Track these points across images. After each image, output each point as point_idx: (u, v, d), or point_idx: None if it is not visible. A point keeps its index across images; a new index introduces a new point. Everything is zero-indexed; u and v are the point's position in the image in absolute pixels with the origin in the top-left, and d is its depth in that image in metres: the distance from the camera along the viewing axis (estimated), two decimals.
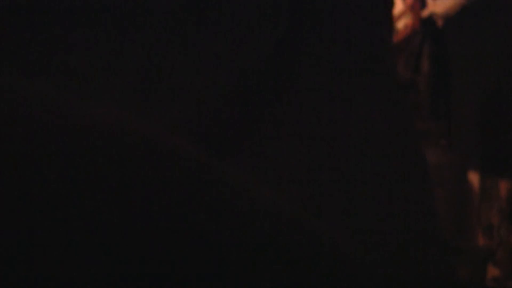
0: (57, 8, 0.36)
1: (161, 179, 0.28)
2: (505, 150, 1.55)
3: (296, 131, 0.37)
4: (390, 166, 0.38)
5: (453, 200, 1.64)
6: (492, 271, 1.50)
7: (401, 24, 2.14)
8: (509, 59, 1.53)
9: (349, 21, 0.40)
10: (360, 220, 0.36)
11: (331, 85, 0.39)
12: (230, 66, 0.37)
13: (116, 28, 0.36)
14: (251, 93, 0.37)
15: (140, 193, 0.27)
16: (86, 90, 0.35)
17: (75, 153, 0.27)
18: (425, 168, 0.40)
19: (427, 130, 1.73)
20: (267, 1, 0.39)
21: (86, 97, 0.34)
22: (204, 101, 0.36)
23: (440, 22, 1.92)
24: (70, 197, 0.26)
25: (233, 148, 0.37)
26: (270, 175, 0.37)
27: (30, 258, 0.25)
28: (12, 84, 0.28)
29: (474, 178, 1.66)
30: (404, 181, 0.39)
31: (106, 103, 0.35)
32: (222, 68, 0.37)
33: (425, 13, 2.01)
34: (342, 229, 0.35)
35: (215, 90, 0.37)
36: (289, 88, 0.38)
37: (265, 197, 0.30)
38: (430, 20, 1.94)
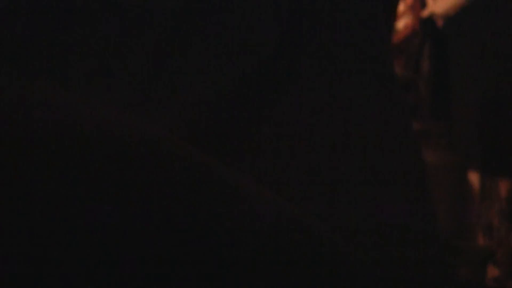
0: (58, 8, 0.36)
1: (161, 179, 0.28)
2: (505, 150, 1.55)
3: (295, 131, 0.37)
4: (388, 166, 0.38)
5: (453, 200, 1.64)
6: (492, 271, 1.51)
7: (401, 24, 2.14)
8: (509, 59, 1.53)
9: (349, 21, 0.40)
10: (359, 220, 0.36)
11: (330, 85, 0.39)
12: (230, 66, 0.37)
13: (117, 28, 0.36)
14: (251, 93, 0.37)
15: (140, 193, 0.27)
16: (86, 90, 0.35)
17: (75, 153, 0.27)
18: (422, 168, 0.40)
19: (427, 130, 1.73)
20: (267, 2, 0.39)
21: (87, 97, 0.34)
22: (205, 101, 0.36)
23: (440, 22, 1.92)
24: (70, 197, 0.26)
25: (233, 148, 0.37)
26: (270, 175, 0.37)
27: (30, 258, 0.25)
28: (13, 84, 0.28)
29: (474, 178, 1.67)
30: (403, 180, 0.39)
31: (107, 103, 0.35)
32: (222, 68, 0.37)
33: (425, 13, 2.01)
34: (342, 229, 0.35)
35: (215, 91, 0.37)
36: (289, 88, 0.38)
37: (265, 197, 0.30)
38: (430, 20, 1.94)
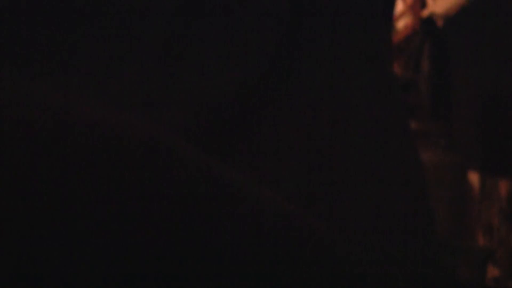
0: (58, 7, 0.36)
1: (162, 179, 0.28)
2: (505, 150, 1.55)
3: (295, 131, 0.37)
4: (387, 165, 0.38)
5: (453, 200, 1.63)
6: (492, 271, 1.50)
7: (401, 24, 2.14)
8: (509, 59, 1.53)
9: (349, 21, 0.40)
10: (358, 220, 0.36)
11: (330, 85, 0.39)
12: (232, 67, 0.37)
13: (117, 28, 0.36)
14: (252, 93, 0.37)
15: (140, 193, 0.27)
16: (87, 90, 0.35)
17: (75, 153, 0.27)
18: (420, 168, 0.40)
19: (427, 130, 1.73)
20: (268, 2, 0.39)
21: (87, 97, 0.34)
22: (207, 102, 0.36)
23: (440, 22, 1.92)
24: (70, 197, 0.26)
25: (233, 148, 0.37)
26: (270, 175, 0.37)
27: (30, 258, 0.25)
28: (13, 84, 0.28)
29: (474, 178, 1.66)
30: (401, 180, 0.39)
31: (108, 103, 0.35)
32: (224, 68, 0.37)
33: (425, 13, 2.01)
34: (341, 229, 0.35)
35: (216, 91, 0.37)
36: (289, 88, 0.38)
37: (265, 197, 0.30)
38: (430, 20, 1.94)
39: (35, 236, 0.25)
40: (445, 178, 1.61)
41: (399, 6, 2.14)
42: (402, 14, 2.13)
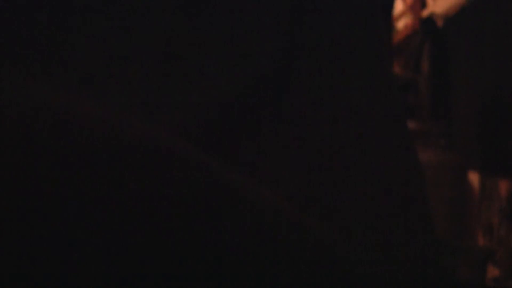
0: (58, 6, 0.35)
1: (161, 179, 0.28)
2: (505, 150, 1.55)
3: (295, 131, 0.37)
4: (386, 165, 0.38)
5: (453, 200, 1.63)
6: (492, 271, 1.50)
7: (401, 24, 2.14)
8: (509, 59, 1.53)
9: (348, 21, 0.40)
10: (358, 220, 0.36)
11: (329, 85, 0.39)
12: (233, 67, 0.37)
13: (119, 28, 0.36)
14: (253, 93, 0.37)
15: (140, 193, 0.27)
16: (88, 90, 0.35)
17: (75, 154, 0.27)
18: (419, 168, 0.40)
19: (427, 130, 1.73)
20: (269, 5, 0.39)
21: (88, 98, 0.34)
22: (207, 102, 0.36)
23: (440, 22, 1.92)
24: (69, 198, 0.26)
25: (235, 148, 0.37)
26: (271, 175, 0.37)
27: (30, 258, 0.25)
28: (13, 84, 0.28)
29: (474, 178, 1.66)
30: (400, 180, 0.39)
31: (109, 103, 0.35)
32: (225, 69, 0.37)
33: (425, 13, 2.01)
34: (340, 230, 0.35)
35: (217, 92, 0.37)
36: (289, 87, 0.38)
37: (265, 198, 0.30)
38: (430, 20, 1.94)
39: (34, 236, 0.25)
40: (445, 178, 1.61)
41: (399, 6, 2.15)
42: (402, 14, 2.13)
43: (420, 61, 1.96)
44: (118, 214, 0.26)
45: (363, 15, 0.41)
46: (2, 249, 0.25)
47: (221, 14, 0.37)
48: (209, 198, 0.28)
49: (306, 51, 0.39)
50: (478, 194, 1.63)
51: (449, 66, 1.88)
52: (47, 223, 0.25)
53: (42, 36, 0.35)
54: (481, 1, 1.69)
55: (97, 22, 0.36)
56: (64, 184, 0.26)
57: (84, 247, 0.26)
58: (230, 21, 0.38)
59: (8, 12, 0.35)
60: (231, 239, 0.27)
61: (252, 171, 0.36)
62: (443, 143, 1.69)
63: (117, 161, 0.27)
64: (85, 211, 0.26)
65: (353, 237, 0.36)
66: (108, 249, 0.26)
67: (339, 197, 0.37)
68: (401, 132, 0.40)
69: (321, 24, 0.39)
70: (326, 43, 0.39)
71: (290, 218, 0.30)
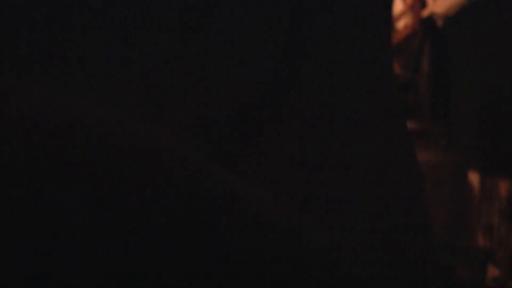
0: (60, 7, 0.35)
1: (160, 182, 0.28)
2: (505, 150, 1.55)
3: (295, 132, 0.37)
4: (385, 166, 0.38)
5: (453, 200, 1.63)
6: (492, 271, 1.50)
7: (401, 24, 2.14)
8: (509, 59, 1.53)
9: (348, 22, 0.40)
10: (357, 220, 0.36)
11: (329, 86, 0.39)
12: (236, 74, 0.37)
13: (122, 29, 0.36)
14: (255, 98, 0.37)
15: (138, 197, 0.27)
16: (89, 91, 0.35)
17: (73, 155, 0.27)
18: (418, 169, 0.40)
19: (427, 130, 1.73)
20: (269, 8, 0.38)
21: (89, 99, 0.34)
22: (211, 106, 0.36)
23: (440, 22, 1.92)
24: (68, 198, 0.26)
25: (236, 153, 0.36)
26: (271, 180, 0.37)
27: (28, 259, 0.25)
28: (12, 85, 0.28)
29: (474, 178, 1.66)
30: (399, 180, 0.39)
31: (110, 105, 0.35)
32: (228, 75, 0.37)
33: (425, 13, 2.01)
34: (339, 230, 0.35)
35: (221, 97, 0.37)
36: (290, 90, 0.38)
37: (262, 204, 0.30)
38: (430, 20, 1.94)
39: (35, 237, 0.25)
40: (445, 178, 1.61)
41: (399, 6, 2.14)
42: (402, 14, 2.13)
43: (420, 61, 1.96)
44: (117, 215, 0.26)
45: (364, 15, 0.41)
46: (2, 249, 0.25)
47: (223, 18, 0.37)
48: (206, 200, 0.28)
49: (306, 52, 0.39)
50: (478, 194, 1.63)
51: (449, 66, 1.88)
52: (46, 223, 0.25)
53: (42, 36, 0.35)
54: (481, 1, 1.69)
55: (101, 22, 0.36)
56: (63, 184, 0.26)
57: (82, 248, 0.26)
58: (232, 24, 0.38)
59: (8, 12, 0.35)
60: (228, 241, 0.27)
61: (252, 171, 0.36)
62: (443, 143, 1.69)
63: (116, 162, 0.27)
64: (84, 212, 0.26)
65: (353, 237, 0.36)
66: (108, 251, 0.26)
67: (339, 197, 0.37)
68: (401, 133, 0.40)
69: (321, 25, 0.39)
70: (327, 44, 0.39)
71: (289, 226, 0.30)
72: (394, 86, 0.41)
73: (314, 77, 0.38)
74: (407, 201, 0.38)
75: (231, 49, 0.37)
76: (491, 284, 1.47)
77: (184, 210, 0.27)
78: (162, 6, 0.36)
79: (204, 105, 0.36)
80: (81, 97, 0.34)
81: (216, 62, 0.37)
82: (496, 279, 1.48)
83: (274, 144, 0.37)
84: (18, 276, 0.25)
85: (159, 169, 0.28)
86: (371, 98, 0.39)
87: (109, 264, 0.26)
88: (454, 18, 1.84)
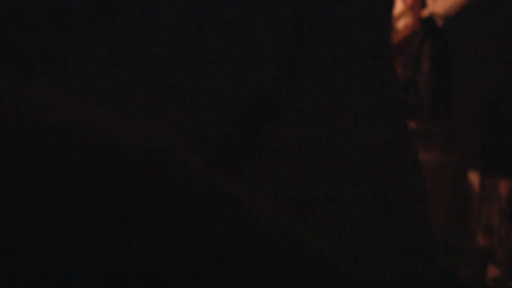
0: (59, 7, 0.35)
1: (159, 182, 0.28)
2: (505, 150, 1.55)
3: (296, 133, 0.37)
4: (386, 166, 0.38)
5: (453, 200, 1.64)
6: (492, 271, 1.51)
7: (401, 24, 2.14)
8: (509, 59, 1.53)
9: (349, 22, 0.40)
10: (358, 220, 0.36)
11: (330, 86, 0.39)
12: (237, 74, 0.37)
13: (126, 30, 0.36)
14: (258, 99, 0.37)
15: (138, 197, 0.27)
16: (88, 92, 0.35)
17: (73, 156, 0.27)
18: (419, 169, 0.40)
19: (427, 130, 1.73)
20: (271, 8, 0.38)
21: (89, 100, 0.34)
22: (212, 107, 0.36)
23: (440, 22, 1.92)
24: (67, 199, 0.26)
25: (237, 153, 0.36)
26: (271, 180, 0.37)
27: (28, 259, 0.25)
28: (11, 86, 0.28)
29: (474, 178, 1.67)
30: (400, 180, 0.39)
31: (110, 105, 0.35)
32: (228, 76, 0.37)
33: (425, 13, 2.01)
34: (340, 230, 0.35)
35: (222, 98, 0.37)
36: (291, 91, 0.38)
37: (261, 210, 0.30)
38: (430, 20, 1.94)
39: (34, 237, 0.25)
40: (445, 178, 1.61)
41: (399, 6, 2.15)
42: (402, 14, 2.13)
43: (420, 61, 1.96)
44: (117, 215, 0.26)
45: (364, 15, 0.41)
46: (2, 249, 0.25)
47: (224, 18, 0.37)
48: (206, 200, 0.28)
49: (307, 52, 0.39)
50: (478, 194, 1.63)
51: (449, 66, 1.88)
52: (46, 223, 0.25)
53: (43, 36, 0.35)
54: (481, 1, 1.69)
55: (104, 23, 0.36)
56: (63, 185, 0.26)
57: (83, 247, 0.26)
58: (233, 24, 0.38)
59: (7, 12, 0.35)
60: (226, 242, 0.27)
61: (253, 171, 0.36)
62: (443, 143, 1.69)
63: (116, 162, 0.27)
64: (84, 212, 0.26)
65: (353, 237, 0.36)
66: (107, 250, 0.26)
67: (339, 197, 0.37)
68: (402, 133, 0.40)
69: (322, 25, 0.39)
70: (327, 44, 0.39)
71: (285, 222, 0.30)
72: (396, 86, 0.41)
73: (315, 77, 0.38)
74: (407, 201, 0.38)
75: (232, 50, 0.37)
76: (491, 284, 1.47)
77: (183, 210, 0.27)
78: (163, 6, 0.36)
79: (205, 105, 0.36)
80: (81, 97, 0.34)
81: (216, 62, 0.37)
82: (496, 279, 1.48)
83: (274, 144, 0.37)
84: (18, 276, 0.25)
85: (158, 169, 0.28)
86: (372, 98, 0.39)
87: (109, 264, 0.26)
88: (454, 18, 1.84)
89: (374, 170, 0.38)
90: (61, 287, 0.25)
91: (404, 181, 0.39)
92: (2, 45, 0.34)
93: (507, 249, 1.49)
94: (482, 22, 1.66)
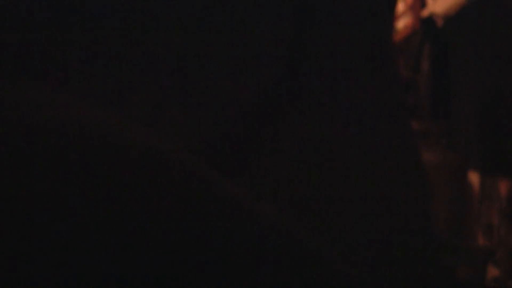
0: (59, 7, 0.35)
1: (159, 183, 0.28)
2: (505, 150, 1.55)
3: (297, 136, 0.37)
4: (388, 165, 0.38)
5: (453, 200, 1.63)
6: (492, 271, 1.50)
7: (401, 24, 2.14)
8: (509, 59, 1.53)
9: (351, 22, 0.40)
10: (359, 220, 0.36)
11: (331, 86, 0.39)
12: (238, 76, 0.37)
13: (121, 29, 0.36)
14: (259, 100, 0.37)
15: (137, 197, 0.27)
16: (88, 92, 0.35)
17: (73, 156, 0.27)
18: (421, 168, 0.40)
19: (427, 130, 1.73)
20: (273, 10, 0.38)
21: (88, 100, 0.34)
22: (213, 109, 0.36)
23: (440, 22, 1.92)
24: (67, 199, 0.26)
25: (237, 154, 0.36)
26: (272, 181, 0.37)
27: (28, 259, 0.25)
28: (8, 86, 0.28)
29: (474, 178, 1.66)
30: (402, 180, 0.38)
31: (110, 106, 0.35)
32: (230, 77, 0.37)
33: (425, 13, 2.01)
34: (340, 230, 0.35)
35: (223, 99, 0.37)
36: (292, 91, 0.38)
37: (261, 212, 0.30)
38: (430, 20, 1.94)
39: (34, 237, 0.25)
40: (445, 178, 1.61)
41: (399, 6, 2.14)
42: (402, 14, 2.13)
43: (420, 61, 1.96)
44: (116, 215, 0.26)
45: (365, 15, 0.41)
46: (2, 249, 0.25)
47: (226, 19, 0.37)
48: (205, 201, 0.28)
49: (308, 52, 0.39)
50: (478, 194, 1.63)
51: (449, 66, 1.88)
52: (46, 223, 0.25)
53: (44, 37, 0.35)
54: (481, 1, 1.69)
55: (100, 25, 0.36)
56: (63, 185, 0.26)
57: (83, 247, 0.26)
58: (235, 25, 0.37)
59: (7, 12, 0.35)
60: (225, 242, 0.27)
61: (253, 172, 0.36)
62: (443, 143, 1.69)
63: (115, 162, 0.27)
64: (83, 212, 0.26)
65: (354, 237, 0.36)
66: (106, 250, 0.26)
67: (340, 197, 0.37)
68: (404, 133, 0.40)
69: (322, 25, 0.39)
70: (328, 44, 0.39)
71: (284, 223, 0.30)
72: (397, 86, 0.41)
73: (315, 77, 0.38)
74: (408, 201, 0.38)
75: (233, 50, 0.37)
76: (491, 284, 1.47)
77: (183, 210, 0.27)
78: (164, 6, 0.36)
79: (205, 106, 0.36)
80: (81, 98, 0.34)
81: (217, 63, 0.37)
82: (496, 279, 1.48)
83: (274, 144, 0.37)
84: (18, 276, 0.25)
85: (158, 170, 0.28)
86: (372, 98, 0.39)
87: (109, 265, 0.26)
88: (454, 18, 1.84)
89: (375, 170, 0.38)
90: (61, 287, 0.25)
91: (405, 181, 0.39)
92: (2, 45, 0.34)
93: (507, 249, 1.49)
94: (482, 22, 1.66)
